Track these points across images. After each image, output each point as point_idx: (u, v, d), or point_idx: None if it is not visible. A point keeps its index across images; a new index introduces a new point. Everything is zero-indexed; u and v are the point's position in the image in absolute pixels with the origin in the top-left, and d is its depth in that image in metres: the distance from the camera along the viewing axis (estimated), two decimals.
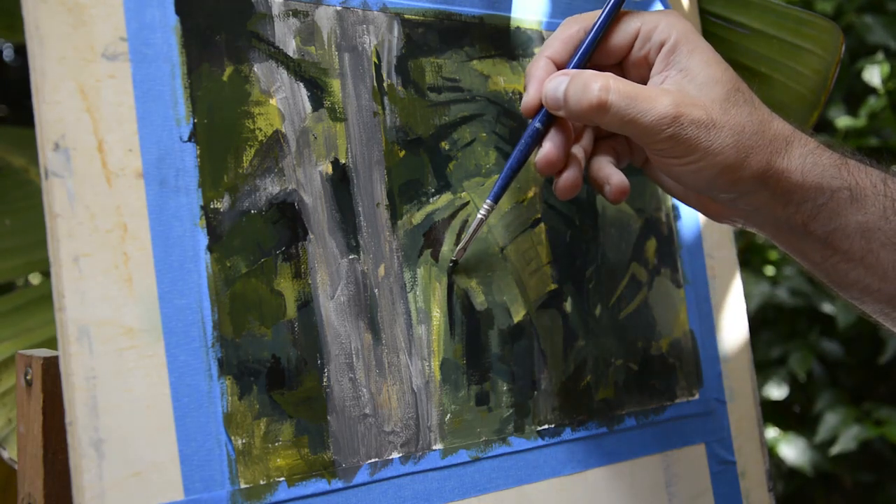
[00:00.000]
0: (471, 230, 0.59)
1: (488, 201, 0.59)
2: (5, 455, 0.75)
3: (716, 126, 0.53)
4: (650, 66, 0.57)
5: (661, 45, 0.56)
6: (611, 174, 0.59)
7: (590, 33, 0.58)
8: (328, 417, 0.55)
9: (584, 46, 0.58)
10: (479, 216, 0.59)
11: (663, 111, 0.53)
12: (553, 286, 0.65)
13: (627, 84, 0.54)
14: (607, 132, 0.61)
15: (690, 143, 0.53)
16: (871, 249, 0.56)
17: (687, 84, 0.55)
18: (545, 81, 0.57)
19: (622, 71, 0.60)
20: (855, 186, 0.55)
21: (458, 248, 0.60)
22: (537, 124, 0.58)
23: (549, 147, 0.57)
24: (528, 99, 0.58)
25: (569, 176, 0.58)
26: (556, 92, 0.56)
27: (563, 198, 0.59)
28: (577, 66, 0.58)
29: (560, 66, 0.58)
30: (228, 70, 0.53)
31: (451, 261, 0.60)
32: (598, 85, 0.54)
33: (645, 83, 0.57)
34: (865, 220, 0.55)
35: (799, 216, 0.56)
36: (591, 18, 0.59)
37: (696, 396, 0.72)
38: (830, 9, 1.43)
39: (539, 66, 0.58)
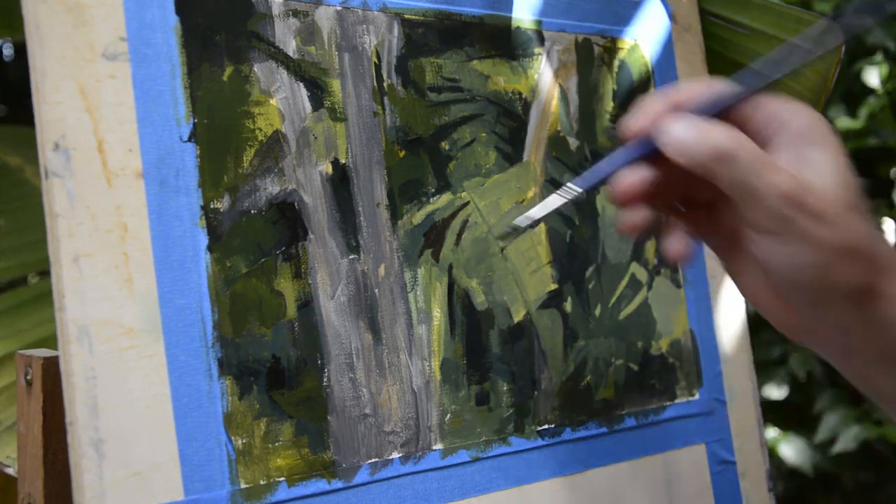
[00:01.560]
0: (546, 207, 0.53)
1: (581, 191, 0.53)
2: None
3: (828, 222, 0.49)
4: (766, 142, 0.52)
5: (785, 125, 0.52)
6: (679, 237, 0.54)
7: (729, 96, 0.53)
8: (328, 417, 0.55)
9: (719, 102, 0.52)
10: (564, 201, 0.53)
11: (787, 188, 0.49)
12: (553, 286, 0.65)
13: (756, 147, 0.50)
14: (699, 199, 0.56)
15: (797, 228, 0.49)
16: None
17: (812, 175, 0.50)
18: (675, 118, 0.51)
19: None
20: None
21: (526, 219, 0.53)
22: (642, 150, 0.52)
23: (633, 179, 0.52)
24: (636, 122, 0.52)
25: (639, 215, 0.53)
26: (680, 133, 0.51)
27: (622, 234, 0.54)
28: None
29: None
30: (228, 70, 0.53)
31: (512, 228, 0.54)
32: (729, 134, 0.50)
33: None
34: None
35: (890, 348, 0.51)
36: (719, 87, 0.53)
37: (696, 396, 0.72)
38: (829, 9, 1.43)
39: (656, 100, 0.53)
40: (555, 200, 0.53)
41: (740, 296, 0.57)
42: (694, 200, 0.56)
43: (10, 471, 0.73)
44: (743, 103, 0.53)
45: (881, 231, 0.53)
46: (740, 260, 0.55)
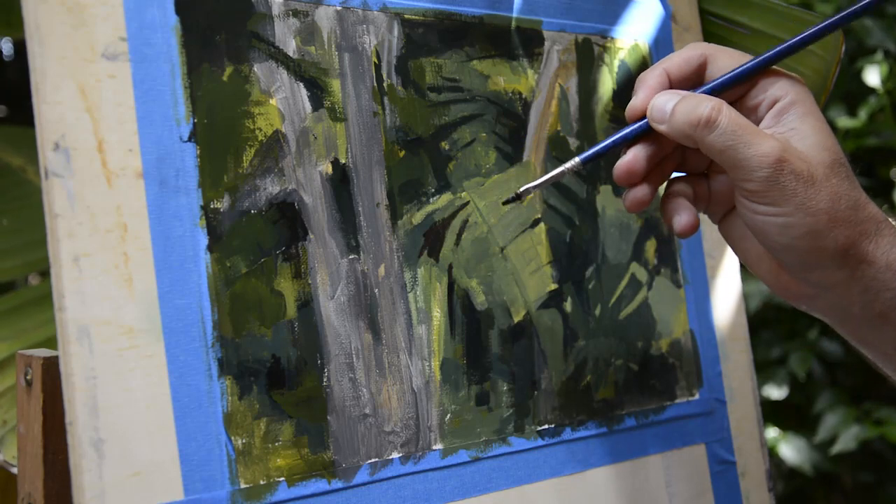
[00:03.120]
0: (547, 176, 0.58)
1: (578, 160, 0.57)
2: (0, 457, 0.75)
3: (815, 184, 0.51)
4: (759, 118, 0.55)
5: (775, 101, 0.54)
6: (682, 207, 0.57)
7: (722, 76, 0.56)
8: (328, 417, 0.55)
9: (711, 84, 0.56)
10: (562, 168, 0.57)
11: (768, 150, 0.51)
12: (553, 286, 0.65)
13: (739, 115, 0.53)
14: (695, 170, 0.59)
15: (786, 192, 0.51)
16: None
17: (795, 141, 0.53)
18: (657, 94, 0.55)
19: None
20: None
21: (528, 187, 0.58)
22: (637, 128, 0.57)
23: (632, 157, 0.56)
24: (636, 102, 0.56)
25: (642, 191, 0.57)
26: (665, 105, 0.54)
27: (630, 211, 0.58)
28: None
29: (673, 81, 0.57)
30: (228, 70, 0.53)
31: (515, 195, 0.58)
32: (710, 104, 0.52)
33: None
34: None
35: (877, 305, 0.54)
36: (715, 50, 0.57)
37: (696, 396, 0.72)
38: (830, 10, 1.43)
39: (654, 74, 0.57)
40: (556, 170, 0.57)
41: (737, 268, 0.60)
42: (690, 171, 0.59)
43: (15, 470, 0.73)
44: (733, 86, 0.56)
45: (863, 191, 0.54)
46: (736, 226, 0.58)
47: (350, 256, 0.57)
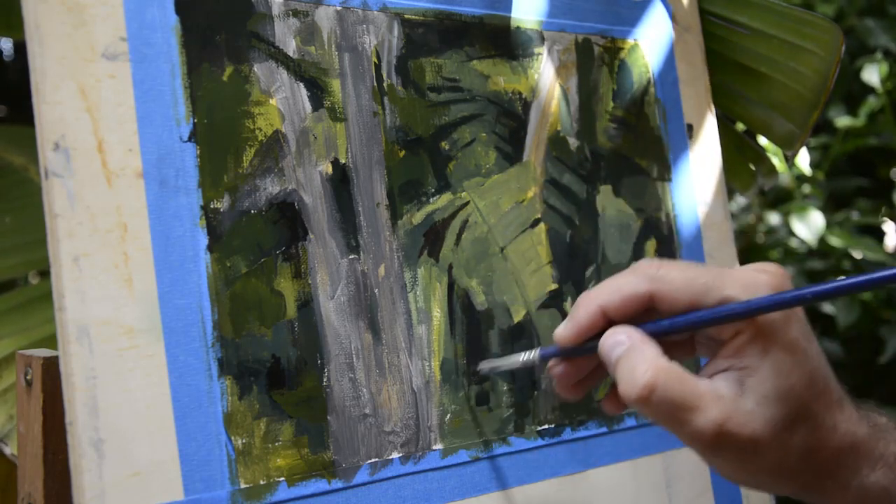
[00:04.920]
0: (506, 364, 0.58)
1: (538, 357, 0.55)
2: (7, 451, 0.75)
3: (758, 451, 0.47)
4: (720, 343, 0.50)
5: (737, 333, 0.49)
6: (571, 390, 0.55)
7: (671, 323, 0.50)
8: (328, 417, 0.55)
9: (662, 328, 0.50)
10: (520, 360, 0.56)
11: (704, 426, 0.47)
12: (553, 286, 0.65)
13: (676, 381, 0.47)
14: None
15: (725, 458, 0.48)
16: None
17: (747, 391, 0.48)
18: (608, 334, 0.50)
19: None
20: None
21: (487, 366, 0.59)
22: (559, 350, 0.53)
23: (567, 371, 0.53)
24: (558, 334, 0.52)
25: (568, 390, 0.54)
26: (610, 355, 0.49)
27: (561, 395, 0.56)
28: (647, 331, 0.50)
29: (611, 317, 0.51)
30: (228, 70, 0.53)
31: (475, 371, 0.60)
32: (644, 379, 0.47)
33: (716, 345, 0.50)
34: None
35: None
36: (664, 284, 0.50)
37: None
38: (832, 11, 1.43)
39: (587, 311, 0.51)
40: (515, 361, 0.56)
41: None
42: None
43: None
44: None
45: (836, 419, 0.50)
46: None
47: (350, 256, 0.57)
